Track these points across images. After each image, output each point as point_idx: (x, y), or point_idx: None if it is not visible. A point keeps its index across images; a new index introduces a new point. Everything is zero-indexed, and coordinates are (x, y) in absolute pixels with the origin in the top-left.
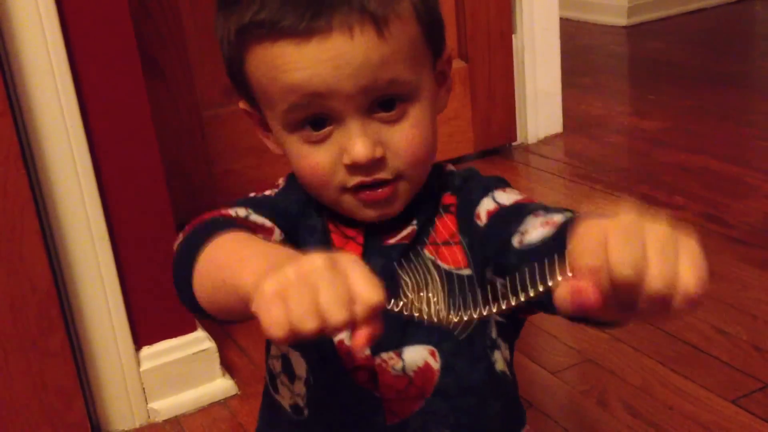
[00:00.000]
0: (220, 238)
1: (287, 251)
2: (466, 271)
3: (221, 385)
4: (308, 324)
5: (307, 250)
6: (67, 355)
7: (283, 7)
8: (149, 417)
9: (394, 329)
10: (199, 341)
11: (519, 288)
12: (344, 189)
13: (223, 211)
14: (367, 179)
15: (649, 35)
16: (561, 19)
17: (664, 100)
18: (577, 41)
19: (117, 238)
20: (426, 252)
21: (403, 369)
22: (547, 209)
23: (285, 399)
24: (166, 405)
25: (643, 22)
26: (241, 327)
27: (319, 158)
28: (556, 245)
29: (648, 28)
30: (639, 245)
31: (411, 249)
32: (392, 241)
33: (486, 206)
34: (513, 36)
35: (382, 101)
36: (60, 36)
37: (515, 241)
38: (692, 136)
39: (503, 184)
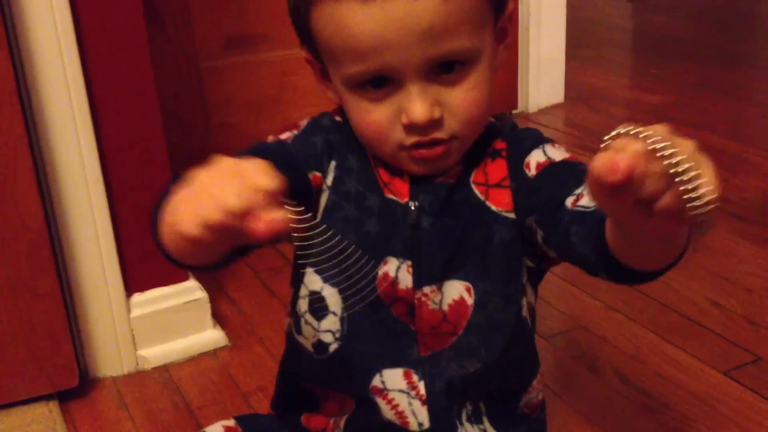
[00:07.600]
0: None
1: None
2: (511, 215)
3: (211, 336)
4: (213, 214)
5: (346, 190)
6: (56, 297)
7: None
8: (138, 364)
9: (439, 263)
10: (190, 291)
11: None
12: (401, 147)
13: None
14: (425, 139)
15: (653, 10)
16: None
17: (666, 74)
18: (582, 13)
19: (112, 183)
20: (476, 191)
21: (440, 303)
22: None
23: (308, 339)
24: (155, 353)
25: None
26: (233, 279)
27: (378, 116)
28: None
29: (653, 2)
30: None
31: (457, 187)
32: (439, 180)
33: (536, 157)
34: (518, 2)
35: (442, 64)
36: None
37: (569, 201)
38: (694, 111)
39: (550, 139)
